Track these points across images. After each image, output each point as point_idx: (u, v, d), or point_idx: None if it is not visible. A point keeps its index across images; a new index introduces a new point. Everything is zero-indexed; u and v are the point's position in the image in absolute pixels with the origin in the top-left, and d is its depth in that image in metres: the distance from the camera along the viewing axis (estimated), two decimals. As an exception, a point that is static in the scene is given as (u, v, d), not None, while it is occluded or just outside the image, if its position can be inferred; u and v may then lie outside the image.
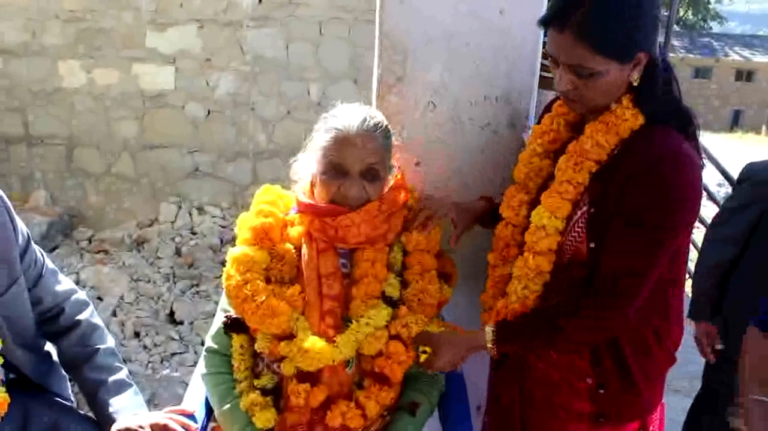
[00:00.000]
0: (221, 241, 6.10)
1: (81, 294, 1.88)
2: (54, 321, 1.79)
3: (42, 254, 1.78)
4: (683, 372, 2.87)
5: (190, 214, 6.48)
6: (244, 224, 1.73)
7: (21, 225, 1.69)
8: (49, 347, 1.84)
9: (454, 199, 1.98)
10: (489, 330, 1.60)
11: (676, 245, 1.51)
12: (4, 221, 1.62)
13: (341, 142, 1.63)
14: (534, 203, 1.68)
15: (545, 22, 1.48)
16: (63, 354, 1.80)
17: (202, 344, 4.56)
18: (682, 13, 34.82)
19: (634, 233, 1.45)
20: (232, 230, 6.22)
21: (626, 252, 1.45)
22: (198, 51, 6.40)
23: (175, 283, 5.37)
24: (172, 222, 6.43)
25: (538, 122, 1.79)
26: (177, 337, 4.55)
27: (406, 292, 1.69)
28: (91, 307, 1.88)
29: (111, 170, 6.73)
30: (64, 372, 1.86)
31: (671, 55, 26.44)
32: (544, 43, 1.85)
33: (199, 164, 6.62)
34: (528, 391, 1.70)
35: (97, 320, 1.87)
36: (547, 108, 1.77)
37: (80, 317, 1.81)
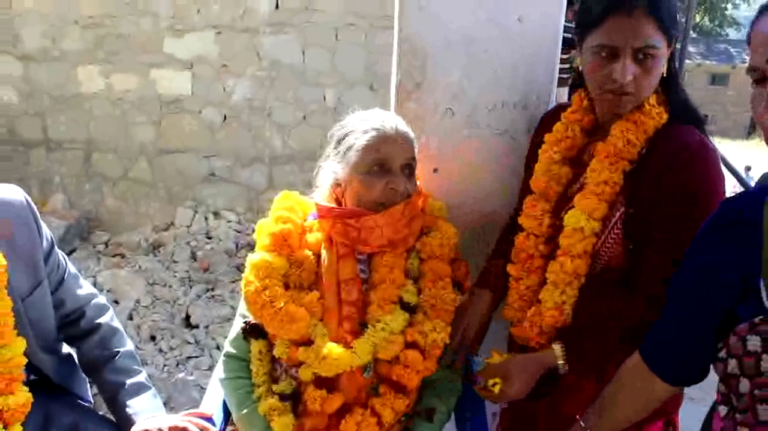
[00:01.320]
0: (237, 246, 6.11)
1: (101, 298, 1.90)
2: (75, 324, 1.81)
3: (64, 258, 1.81)
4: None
5: (206, 218, 6.50)
6: (263, 231, 1.74)
7: (45, 229, 1.72)
8: (69, 350, 1.86)
9: (471, 206, 1.99)
10: (558, 347, 1.58)
11: None
12: (29, 225, 1.65)
13: (383, 140, 1.65)
14: (555, 211, 1.68)
15: (608, 12, 1.48)
16: (83, 357, 1.82)
17: (218, 348, 4.58)
18: (698, 19, 34.62)
19: (679, 229, 1.45)
20: (248, 235, 6.25)
21: (674, 249, 1.44)
22: (215, 57, 6.43)
23: (190, 287, 5.40)
24: (188, 227, 6.46)
25: (540, 130, 1.80)
26: (192, 341, 4.56)
27: (421, 298, 1.70)
28: (110, 311, 1.90)
29: (128, 175, 6.77)
30: (84, 375, 1.88)
31: (687, 61, 26.33)
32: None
33: (215, 169, 6.65)
34: (556, 401, 1.69)
35: (117, 323, 1.89)
36: (552, 117, 1.77)
37: (100, 320, 1.84)
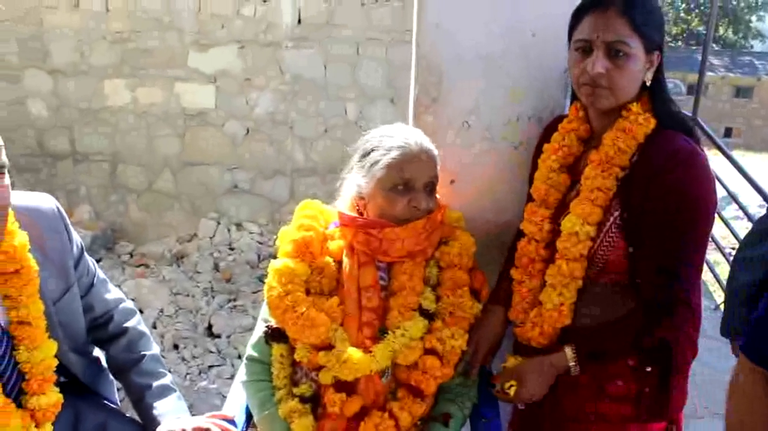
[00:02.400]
0: (259, 257, 6.20)
1: (129, 303, 1.97)
2: (104, 328, 1.88)
3: (94, 264, 1.88)
4: (722, 397, 2.86)
5: (229, 230, 6.60)
6: (286, 238, 1.80)
7: (76, 236, 1.79)
8: (97, 352, 1.93)
9: (487, 216, 2.03)
10: (569, 350, 1.65)
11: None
12: (60, 232, 1.73)
13: (408, 159, 1.69)
14: (554, 217, 1.74)
15: (586, 9, 1.61)
16: (111, 359, 1.89)
17: (239, 357, 4.64)
18: (722, 31, 34.41)
19: (675, 230, 1.53)
20: (270, 246, 6.34)
21: (673, 250, 1.53)
22: (238, 71, 6.55)
23: (213, 297, 5.48)
24: (211, 238, 6.55)
25: (542, 141, 1.87)
26: (215, 350, 4.64)
27: (439, 306, 1.75)
28: (138, 315, 1.97)
29: (152, 186, 6.89)
30: (111, 377, 1.94)
31: (711, 74, 26.13)
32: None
33: (238, 181, 6.75)
34: (557, 398, 1.74)
35: (144, 328, 1.96)
36: (551, 129, 1.84)
37: (128, 324, 1.90)
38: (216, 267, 6.06)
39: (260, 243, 6.41)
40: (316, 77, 6.45)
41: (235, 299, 5.45)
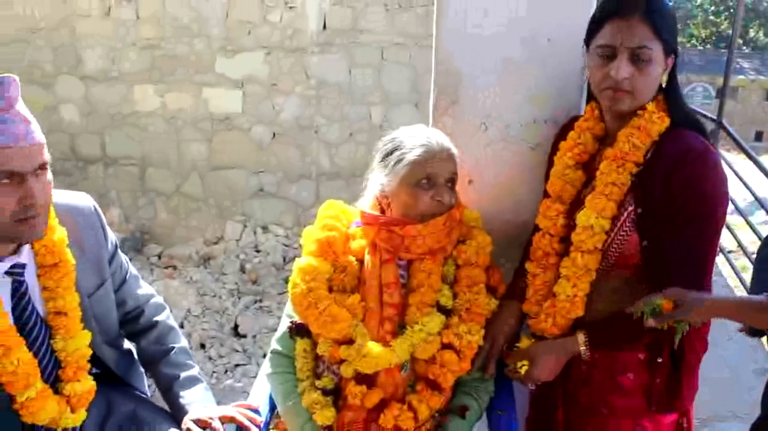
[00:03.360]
0: (284, 259, 6.30)
1: (158, 298, 2.06)
2: (135, 321, 1.97)
3: (127, 261, 1.97)
4: (745, 399, 2.87)
5: (255, 232, 6.71)
6: (310, 237, 1.87)
7: (110, 234, 1.88)
8: (128, 345, 2.01)
9: (504, 216, 2.09)
10: (581, 335, 1.71)
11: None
12: (96, 229, 1.82)
13: (431, 156, 1.77)
14: (568, 212, 1.79)
15: (608, 15, 1.65)
16: (142, 351, 1.98)
17: (265, 356, 4.72)
18: (752, 33, 34.00)
19: (691, 225, 1.60)
20: (295, 248, 6.43)
21: (689, 244, 1.59)
22: (265, 76, 6.66)
23: (239, 298, 5.58)
24: (237, 240, 6.67)
25: (558, 140, 1.92)
26: (240, 349, 4.73)
27: (456, 302, 1.81)
28: (167, 310, 2.05)
29: (180, 190, 7.03)
30: (141, 368, 2.03)
31: (741, 77, 25.78)
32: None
33: (264, 185, 6.86)
34: (570, 392, 1.79)
35: (173, 322, 2.04)
36: (567, 129, 1.90)
37: (158, 318, 1.99)
38: (242, 269, 6.17)
39: (286, 245, 6.50)
40: (341, 82, 6.54)
41: (260, 300, 5.55)
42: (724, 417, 3.43)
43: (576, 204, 1.80)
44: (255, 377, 4.32)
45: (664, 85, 1.69)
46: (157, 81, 6.85)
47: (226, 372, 4.46)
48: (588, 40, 1.72)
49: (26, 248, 1.65)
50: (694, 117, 1.72)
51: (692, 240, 1.60)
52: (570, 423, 1.82)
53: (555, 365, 1.75)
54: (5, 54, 6.79)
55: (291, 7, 6.51)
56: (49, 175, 1.60)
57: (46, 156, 1.57)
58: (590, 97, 1.84)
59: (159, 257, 6.55)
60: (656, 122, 1.67)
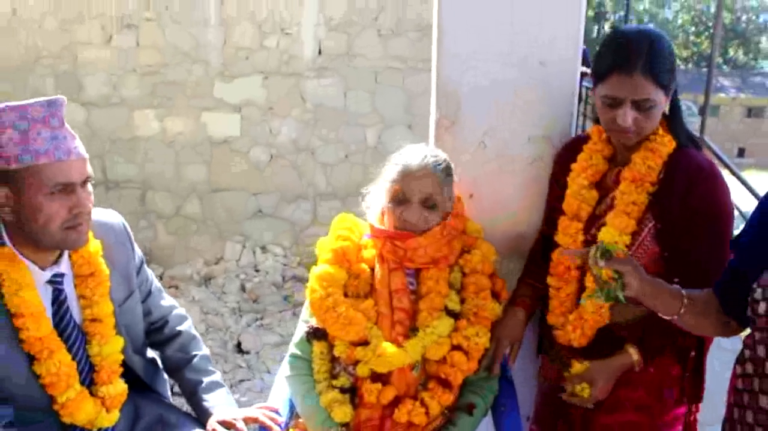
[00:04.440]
0: (283, 278, 6.40)
1: (181, 309, 2.18)
2: (160, 331, 2.09)
3: (151, 275, 2.10)
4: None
5: (254, 253, 6.82)
6: (325, 247, 2.01)
7: (137, 249, 2.02)
8: (151, 353, 2.13)
9: (503, 227, 2.24)
10: (633, 351, 1.84)
11: None
12: (125, 244, 1.95)
13: (404, 175, 1.92)
14: (585, 229, 1.94)
15: (611, 69, 1.77)
16: (167, 359, 2.10)
17: (269, 372, 4.83)
18: (732, 53, 34.49)
19: (710, 236, 1.78)
20: (293, 268, 6.51)
21: (710, 251, 1.76)
22: (262, 100, 6.81)
23: (241, 316, 5.69)
24: (237, 260, 6.77)
25: (561, 159, 2.09)
26: (245, 365, 4.83)
27: (464, 308, 1.95)
28: (189, 320, 2.18)
29: (180, 212, 7.14)
30: (165, 376, 2.15)
31: (722, 95, 26.13)
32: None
33: (262, 206, 6.98)
34: (590, 415, 1.94)
35: (194, 331, 2.17)
36: (572, 148, 2.06)
37: (181, 328, 2.11)
38: (243, 288, 6.27)
39: (284, 265, 6.61)
40: (337, 105, 6.69)
41: (262, 318, 5.66)
42: (712, 422, 3.56)
43: (590, 220, 1.96)
44: (259, 391, 4.45)
45: (666, 112, 1.85)
46: (157, 106, 6.98)
47: (231, 387, 4.55)
48: (594, 85, 1.85)
49: (65, 258, 1.78)
50: (693, 137, 1.91)
51: (711, 249, 1.77)
52: (588, 418, 1.95)
53: (612, 382, 1.87)
54: (9, 81, 6.93)
55: (287, 33, 6.68)
56: (90, 187, 1.74)
57: (89, 169, 1.72)
58: (597, 119, 1.99)
59: (161, 277, 6.64)
60: (666, 144, 1.84)
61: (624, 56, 1.75)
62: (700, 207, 1.77)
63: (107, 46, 6.92)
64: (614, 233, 1.84)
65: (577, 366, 1.92)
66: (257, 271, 6.56)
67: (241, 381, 4.64)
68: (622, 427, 1.92)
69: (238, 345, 5.18)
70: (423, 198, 1.91)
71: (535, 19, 2.13)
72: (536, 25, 2.13)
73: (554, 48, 2.14)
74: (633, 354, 1.84)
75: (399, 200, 1.92)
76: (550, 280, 2.02)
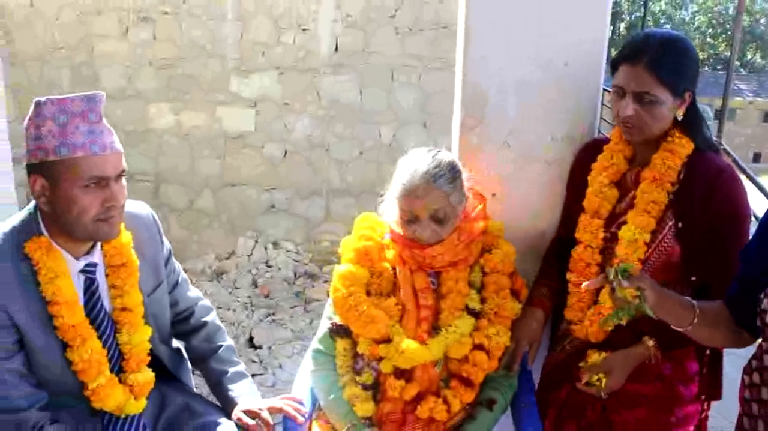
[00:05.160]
0: (295, 274, 6.44)
1: (206, 300, 2.22)
2: (186, 322, 2.13)
3: (178, 266, 2.13)
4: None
5: (266, 248, 6.85)
6: (348, 246, 2.04)
7: (165, 240, 2.05)
8: (176, 343, 2.17)
9: (524, 226, 2.26)
10: (651, 343, 1.88)
11: None
12: (154, 235, 1.99)
13: (408, 195, 1.90)
14: (605, 226, 1.99)
15: (620, 60, 1.87)
16: (192, 349, 2.13)
17: (280, 367, 4.87)
18: (750, 56, 34.33)
19: (729, 237, 1.82)
20: (305, 264, 6.52)
21: (729, 252, 1.77)
22: (277, 96, 6.84)
23: (253, 311, 5.72)
24: (249, 255, 6.81)
25: (581, 160, 2.12)
26: (257, 360, 4.86)
27: (485, 307, 1.98)
28: (214, 311, 2.21)
29: (193, 206, 7.18)
30: (189, 365, 2.19)
31: (738, 99, 26.00)
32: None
33: (276, 201, 7.02)
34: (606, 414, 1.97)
35: (219, 322, 2.20)
36: (589, 149, 2.10)
37: (206, 319, 2.15)
38: (254, 283, 6.31)
39: (296, 261, 6.64)
40: (352, 102, 6.72)
41: (273, 314, 5.69)
42: (724, 427, 3.58)
43: (611, 218, 2.00)
44: (271, 386, 4.48)
45: (680, 118, 1.88)
46: (172, 100, 7.02)
47: (243, 380, 4.59)
48: (612, 77, 1.93)
49: (98, 249, 1.82)
50: (712, 142, 1.94)
51: (731, 250, 1.77)
52: (605, 415, 1.98)
53: (628, 373, 1.91)
54: (26, 73, 6.98)
55: (304, 30, 6.71)
56: (124, 181, 1.78)
57: (124, 164, 1.75)
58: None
59: (173, 270, 6.68)
60: (684, 146, 1.88)
61: (633, 49, 1.84)
62: (721, 209, 1.81)
63: (124, 39, 6.97)
64: (635, 230, 1.89)
65: (594, 356, 1.95)
66: (269, 266, 6.59)
67: (254, 375, 4.67)
68: (638, 423, 1.95)
69: (250, 339, 5.22)
70: (431, 215, 1.91)
71: (562, 20, 2.15)
72: (563, 26, 2.15)
73: (580, 49, 2.17)
74: (650, 346, 1.88)
75: (408, 218, 1.92)
76: (569, 276, 2.05)
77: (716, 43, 29.60)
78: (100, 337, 1.80)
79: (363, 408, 1.92)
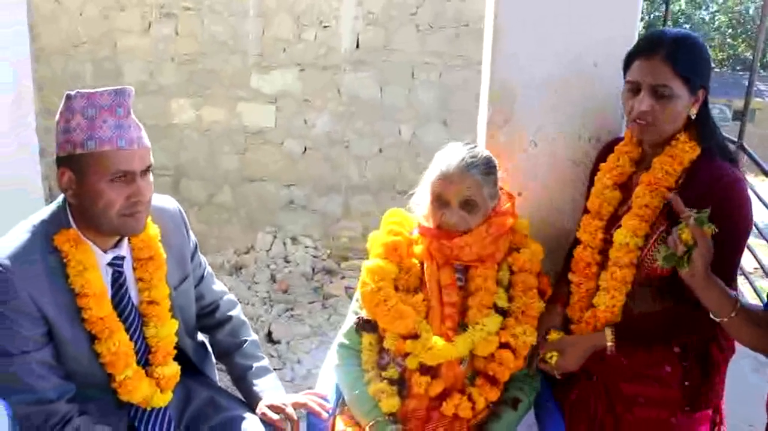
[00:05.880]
0: (313, 270, 6.45)
1: (231, 295, 2.23)
2: (211, 315, 2.13)
3: (204, 260, 2.14)
4: (763, 413, 2.97)
5: (285, 244, 6.87)
6: (376, 241, 2.04)
7: (192, 234, 2.06)
8: (201, 337, 2.18)
9: (549, 225, 2.26)
10: (608, 331, 1.89)
11: None
12: (181, 228, 2.00)
13: (442, 179, 1.94)
14: (606, 228, 1.97)
15: (635, 55, 1.85)
16: (217, 343, 2.14)
17: (299, 362, 4.88)
18: (770, 57, 33.93)
19: (720, 247, 1.72)
20: (323, 260, 6.50)
21: (716, 264, 1.72)
22: (298, 92, 6.84)
23: (271, 306, 5.74)
24: (267, 251, 6.83)
25: (598, 160, 2.11)
26: (275, 354, 4.88)
27: (512, 305, 1.98)
28: (239, 306, 2.22)
29: (213, 200, 7.21)
30: (213, 359, 2.20)
31: (758, 99, 25.69)
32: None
33: (295, 197, 7.03)
34: (613, 384, 1.95)
35: (244, 317, 2.21)
36: (608, 149, 2.08)
37: (232, 313, 2.16)
38: (273, 278, 6.33)
39: (314, 257, 6.65)
40: (373, 99, 6.71)
41: (292, 309, 5.70)
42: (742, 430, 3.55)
43: (613, 220, 1.98)
44: (290, 381, 4.49)
45: (694, 117, 1.86)
46: (193, 95, 7.04)
47: (262, 375, 4.61)
48: (624, 75, 1.91)
49: (125, 242, 1.83)
50: (723, 145, 1.90)
51: (717, 262, 1.75)
52: (612, 414, 1.96)
53: (581, 356, 1.94)
54: (50, 67, 7.04)
55: (325, 26, 6.71)
56: (151, 176, 1.78)
57: (151, 159, 1.76)
58: None
59: (192, 265, 6.72)
60: (688, 150, 1.85)
61: (648, 42, 1.84)
62: (713, 218, 1.73)
63: (146, 34, 6.99)
64: (628, 234, 1.88)
65: (553, 335, 2.00)
66: (287, 262, 6.61)
67: (273, 370, 4.69)
68: (649, 423, 1.93)
69: (269, 334, 5.23)
70: (462, 201, 1.93)
71: (593, 17, 2.14)
72: (593, 24, 2.14)
73: (609, 48, 2.14)
74: (607, 336, 1.89)
75: (439, 202, 1.95)
76: (571, 276, 2.06)
77: (736, 43, 29.24)
78: (127, 330, 1.82)
79: (389, 404, 1.92)
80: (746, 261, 5.78)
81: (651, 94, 1.80)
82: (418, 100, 6.65)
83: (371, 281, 1.96)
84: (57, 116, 1.70)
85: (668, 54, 1.78)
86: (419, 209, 2.07)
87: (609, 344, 1.89)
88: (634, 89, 1.83)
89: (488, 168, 1.98)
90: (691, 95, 1.81)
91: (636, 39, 2.18)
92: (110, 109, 1.67)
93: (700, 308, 1.76)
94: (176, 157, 7.13)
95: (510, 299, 1.99)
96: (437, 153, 2.01)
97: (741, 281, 5.60)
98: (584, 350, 1.94)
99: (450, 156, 1.96)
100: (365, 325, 2.00)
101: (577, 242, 2.07)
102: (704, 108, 1.87)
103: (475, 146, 2.03)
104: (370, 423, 1.91)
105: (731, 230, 1.76)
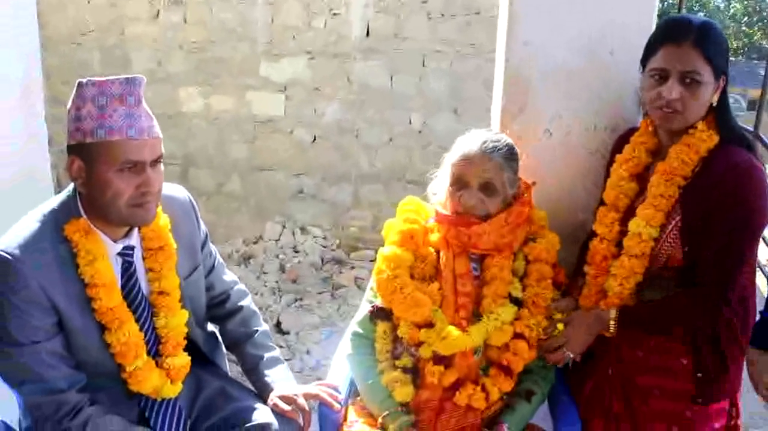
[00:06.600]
0: (322, 260, 6.42)
1: (241, 285, 2.21)
2: (221, 306, 2.12)
3: (214, 250, 2.12)
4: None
5: (294, 233, 6.84)
6: (392, 229, 2.03)
7: (202, 224, 2.04)
8: (211, 327, 2.16)
9: (565, 215, 2.23)
10: (613, 312, 1.87)
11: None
12: (191, 218, 1.98)
13: (463, 160, 1.94)
14: (623, 220, 1.94)
15: (661, 41, 1.81)
16: (228, 334, 2.12)
17: (308, 352, 4.87)
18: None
19: (726, 234, 1.75)
20: (333, 250, 6.47)
21: (724, 249, 1.75)
22: (308, 80, 6.80)
23: (280, 296, 5.72)
24: (276, 240, 6.80)
25: (614, 151, 2.08)
26: (284, 345, 4.86)
27: (525, 295, 1.96)
28: (249, 296, 2.21)
29: (221, 190, 7.19)
30: (223, 350, 2.18)
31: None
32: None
33: (304, 187, 7.00)
34: (628, 377, 1.93)
35: (254, 307, 2.19)
36: (624, 139, 2.05)
37: (242, 303, 2.14)
38: (282, 268, 6.31)
39: (324, 247, 6.62)
40: (383, 87, 6.66)
41: (301, 299, 5.68)
42: (758, 425, 3.52)
43: (629, 212, 1.95)
44: (299, 371, 4.47)
45: (715, 104, 1.83)
46: (201, 83, 7.00)
47: (271, 365, 4.59)
48: (644, 62, 1.87)
49: (135, 232, 1.81)
50: (741, 134, 1.87)
51: (726, 247, 1.75)
52: (628, 406, 1.94)
53: (585, 333, 1.92)
54: (57, 55, 7.02)
55: (335, 14, 6.66)
56: (162, 166, 1.76)
57: (162, 149, 1.74)
58: (646, 113, 1.98)
59: (201, 254, 6.70)
60: (705, 139, 1.82)
61: (676, 29, 1.79)
62: (724, 203, 1.75)
63: (154, 21, 6.96)
64: (641, 224, 1.86)
65: (556, 315, 1.98)
66: (296, 252, 6.58)
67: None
68: (664, 415, 1.91)
69: (278, 324, 5.22)
70: (482, 183, 1.92)
71: (608, 5, 2.11)
72: (609, 12, 2.11)
73: (625, 36, 2.12)
74: (612, 315, 1.87)
75: (459, 184, 1.93)
76: (587, 268, 2.03)
77: (752, 31, 28.94)
78: (137, 320, 1.80)
79: (402, 392, 1.90)
80: (761, 253, 5.72)
81: (680, 80, 1.77)
82: (429, 89, 6.59)
83: (387, 268, 1.94)
84: (68, 104, 1.68)
85: (697, 40, 1.75)
86: (436, 197, 2.06)
87: (611, 322, 1.87)
88: (662, 76, 1.80)
89: (510, 154, 1.98)
90: (715, 81, 1.79)
91: (653, 27, 2.15)
92: (121, 98, 1.65)
93: (700, 297, 1.76)
94: (185, 146, 7.11)
95: (523, 289, 1.96)
96: (459, 138, 2.01)
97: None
98: (588, 323, 1.92)
99: (473, 139, 1.96)
100: (379, 313, 1.99)
101: (593, 234, 2.04)
102: (723, 96, 1.84)
103: (499, 133, 2.04)
104: (383, 416, 1.89)
105: (745, 217, 1.75)
